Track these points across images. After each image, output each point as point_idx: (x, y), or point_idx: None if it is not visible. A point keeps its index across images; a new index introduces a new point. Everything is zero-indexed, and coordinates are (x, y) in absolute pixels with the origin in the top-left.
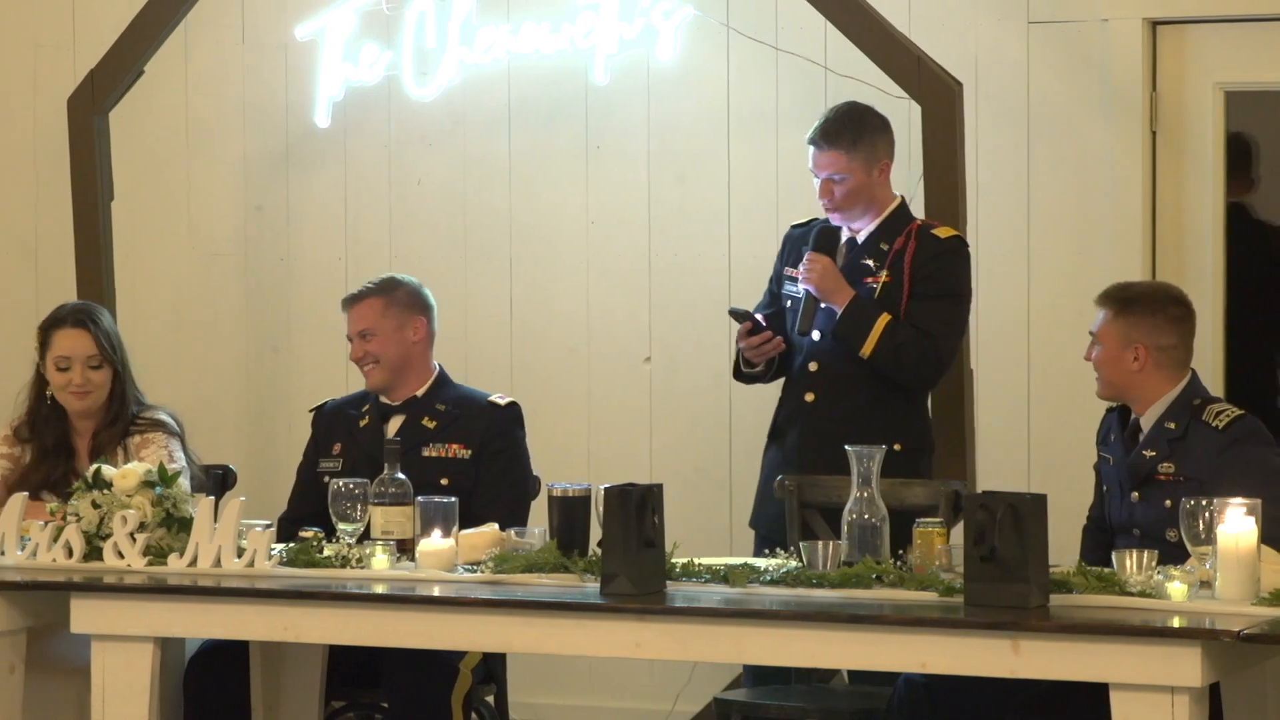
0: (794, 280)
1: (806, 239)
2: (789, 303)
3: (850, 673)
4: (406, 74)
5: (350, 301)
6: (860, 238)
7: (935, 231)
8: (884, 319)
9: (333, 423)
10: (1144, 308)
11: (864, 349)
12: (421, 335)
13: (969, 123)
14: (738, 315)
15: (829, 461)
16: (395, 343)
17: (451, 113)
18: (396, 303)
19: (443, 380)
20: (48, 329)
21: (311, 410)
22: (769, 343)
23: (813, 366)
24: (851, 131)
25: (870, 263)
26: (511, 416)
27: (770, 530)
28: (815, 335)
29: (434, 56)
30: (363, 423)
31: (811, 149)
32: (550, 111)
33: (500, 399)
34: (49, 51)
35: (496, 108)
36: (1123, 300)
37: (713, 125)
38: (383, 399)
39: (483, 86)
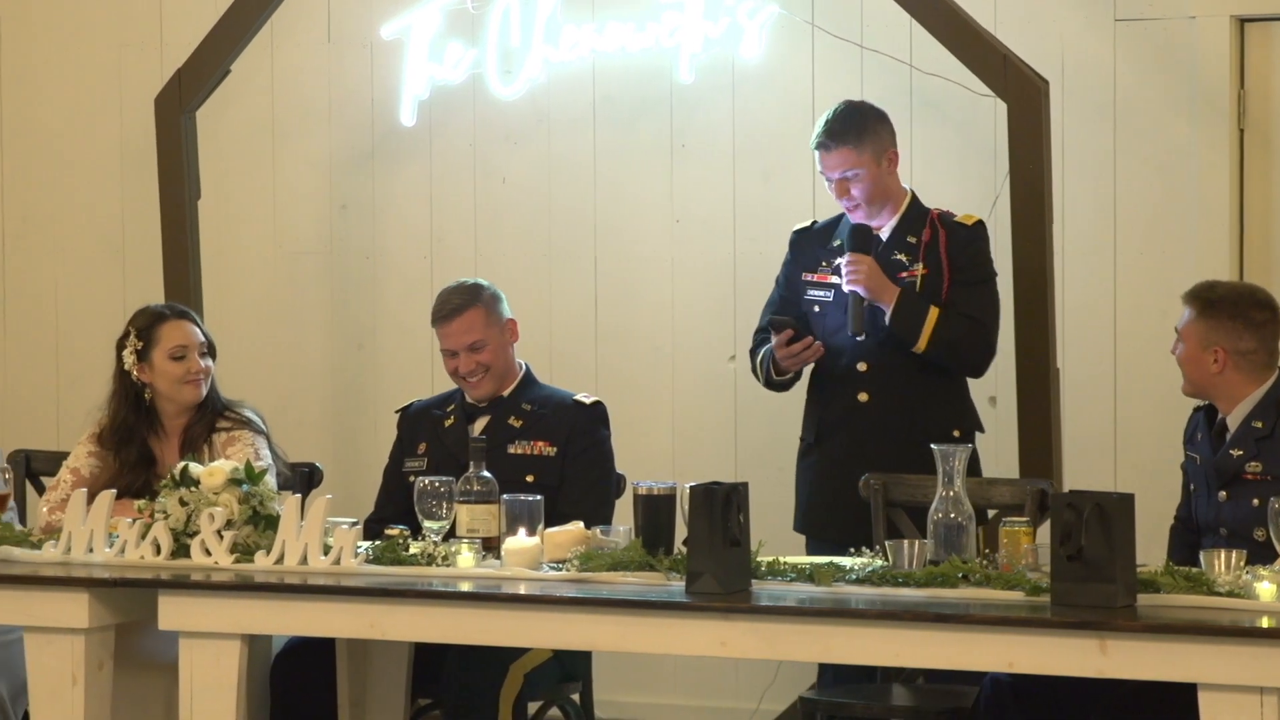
0: (818, 285)
1: (823, 241)
2: (816, 308)
3: (927, 672)
4: (491, 72)
5: (449, 316)
6: (885, 234)
7: (960, 219)
8: (934, 311)
9: (418, 423)
10: (1226, 311)
11: (919, 343)
12: (515, 336)
13: (1055, 121)
14: (779, 325)
15: (891, 458)
16: (501, 348)
17: (536, 111)
18: (492, 309)
19: (528, 380)
20: (150, 327)
21: (397, 412)
22: (808, 349)
23: (861, 367)
24: (856, 126)
25: (902, 258)
26: (597, 415)
27: (822, 532)
28: (860, 336)
29: (518, 55)
30: (448, 422)
31: (819, 153)
32: (635, 109)
33: (586, 398)
34: (136, 51)
35: (581, 106)
36: (1206, 301)
37: (797, 123)
38: (469, 398)
39: (567, 85)
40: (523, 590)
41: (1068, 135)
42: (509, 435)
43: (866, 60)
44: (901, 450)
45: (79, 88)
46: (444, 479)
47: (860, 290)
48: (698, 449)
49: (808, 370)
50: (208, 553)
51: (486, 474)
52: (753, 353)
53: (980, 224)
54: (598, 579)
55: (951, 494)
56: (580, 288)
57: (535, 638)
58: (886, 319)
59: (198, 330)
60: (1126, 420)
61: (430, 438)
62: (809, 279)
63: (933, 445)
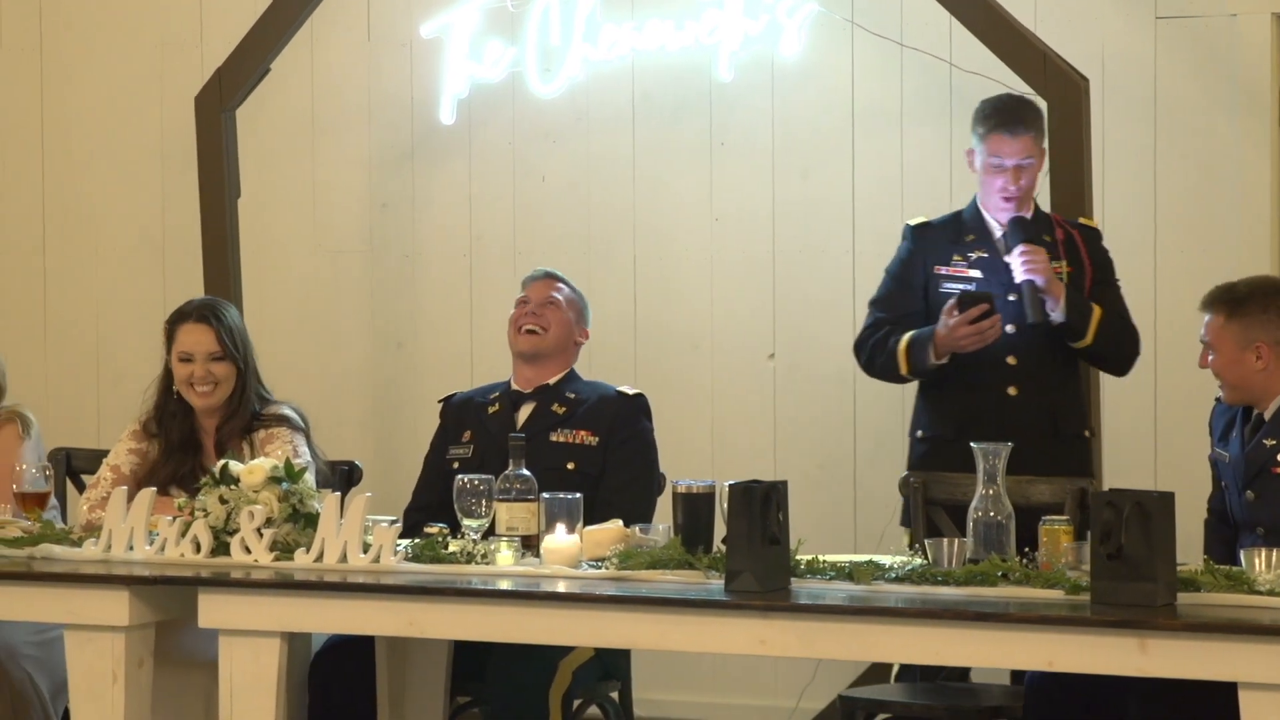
0: (954, 278)
1: (952, 235)
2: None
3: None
4: (531, 71)
5: (544, 276)
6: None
7: (1083, 222)
8: (1098, 307)
9: (463, 411)
10: (1257, 305)
11: (1086, 337)
12: (584, 335)
13: (1095, 118)
14: (973, 299)
15: (1038, 454)
16: (566, 326)
17: (575, 109)
18: (577, 301)
19: (573, 375)
20: (173, 324)
21: (440, 401)
22: (993, 329)
23: (1011, 360)
24: (1036, 116)
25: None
26: (639, 407)
27: None
28: (1010, 329)
29: (558, 53)
30: (492, 409)
31: (998, 135)
32: (674, 107)
33: (629, 390)
34: (176, 50)
35: (620, 104)
36: (1231, 302)
37: (837, 121)
38: (514, 385)
39: (607, 83)
40: (562, 588)
41: (1108, 133)
42: (552, 422)
43: (906, 58)
44: (1047, 445)
45: (120, 87)
46: (484, 477)
47: (1038, 280)
48: (737, 447)
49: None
50: (247, 550)
51: (525, 472)
52: (863, 344)
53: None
54: (637, 577)
55: (992, 492)
56: (619, 286)
57: (574, 636)
58: (1060, 310)
59: (214, 335)
60: (1166, 418)
61: (475, 425)
62: (942, 272)
63: (972, 444)
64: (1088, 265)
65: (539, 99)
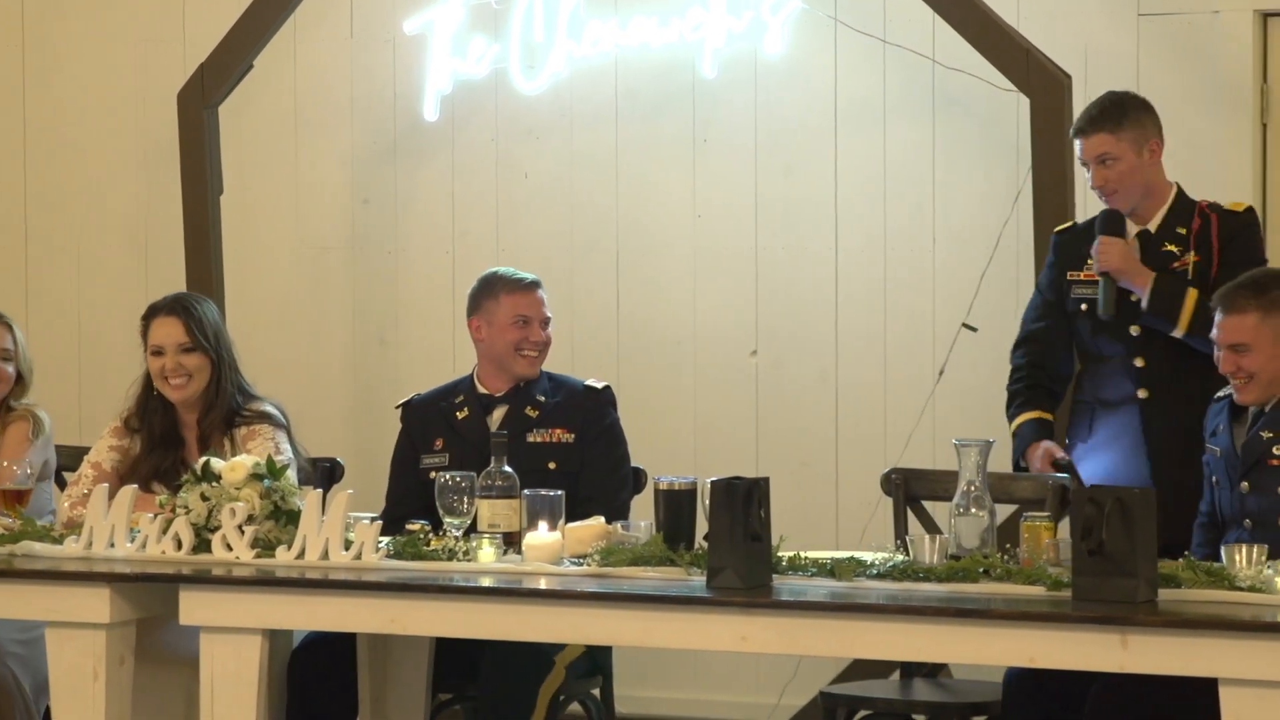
0: (1084, 283)
1: (1086, 239)
2: (1083, 306)
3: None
4: (514, 67)
5: (531, 286)
6: (1153, 227)
7: (1229, 206)
8: (1193, 293)
9: (428, 417)
10: None
11: (1179, 326)
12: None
13: (1078, 115)
14: (1063, 466)
15: (1172, 456)
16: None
17: (559, 106)
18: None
19: (539, 372)
20: (146, 320)
21: (398, 406)
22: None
23: (1139, 362)
24: (1116, 112)
25: (1173, 249)
26: (608, 399)
27: None
28: (1134, 330)
29: (542, 50)
30: (461, 415)
31: (1078, 142)
32: (657, 105)
33: (596, 383)
34: (159, 46)
35: (604, 101)
36: (1267, 300)
37: (820, 118)
38: (482, 389)
39: (590, 80)
40: (543, 585)
41: None
42: (527, 424)
43: (889, 55)
44: (1183, 446)
45: (102, 83)
46: (465, 474)
47: (1111, 271)
48: (719, 444)
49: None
50: (229, 548)
51: (508, 469)
52: (1009, 393)
53: (1250, 210)
54: (619, 574)
55: (973, 489)
56: (602, 282)
57: (556, 633)
58: (1144, 302)
59: (183, 327)
60: None
61: (446, 433)
62: (1074, 277)
63: (954, 440)
64: (1215, 251)
65: (522, 95)
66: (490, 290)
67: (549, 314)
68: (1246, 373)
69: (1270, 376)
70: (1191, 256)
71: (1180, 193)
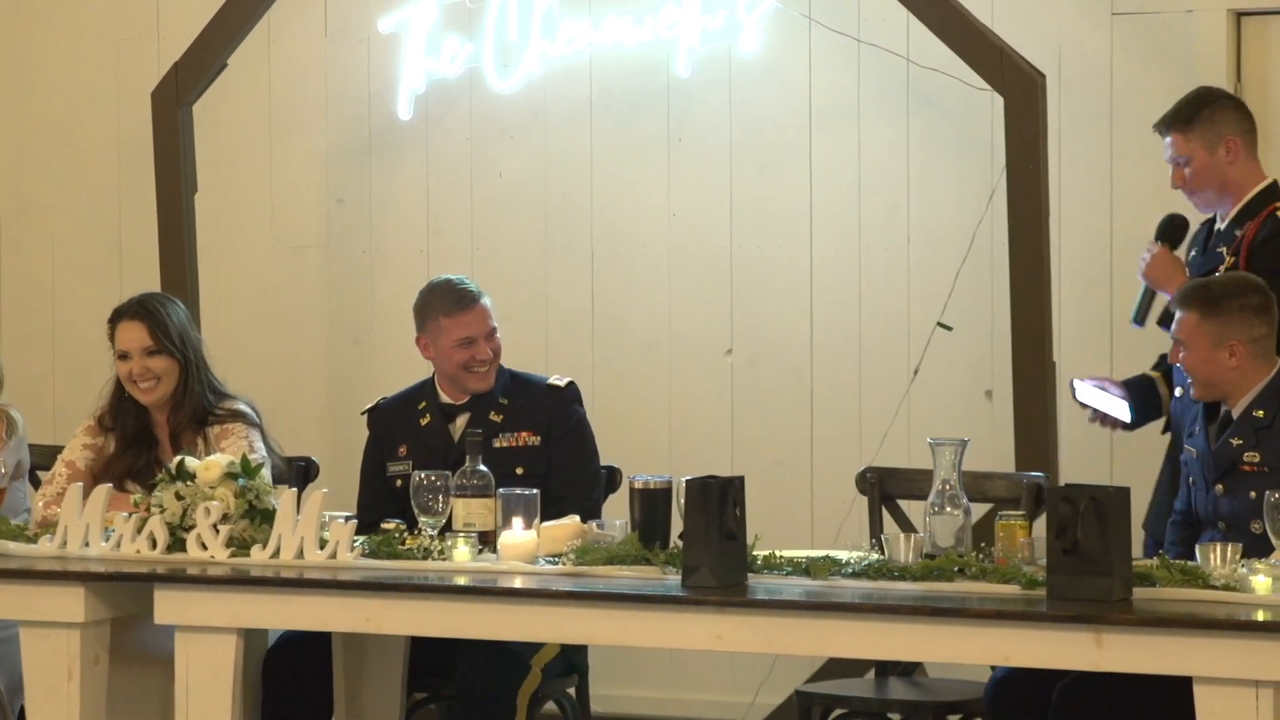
0: None
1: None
2: None
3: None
4: (488, 66)
5: (471, 304)
6: (1222, 225)
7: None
8: None
9: (393, 424)
10: (1233, 304)
11: None
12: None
13: (1052, 114)
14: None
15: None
16: (500, 344)
17: (533, 105)
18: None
19: (500, 372)
20: (112, 323)
21: (364, 412)
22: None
23: None
24: (1188, 111)
25: (1223, 250)
26: (572, 396)
27: (1156, 534)
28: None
29: (516, 49)
30: (424, 421)
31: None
32: (632, 104)
33: (559, 380)
34: (133, 45)
35: (578, 100)
36: (1208, 300)
37: (795, 117)
38: (445, 398)
39: (564, 79)
40: (519, 584)
41: (1065, 129)
42: (492, 430)
43: (864, 54)
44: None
45: (76, 81)
46: (441, 473)
47: (1143, 279)
48: (694, 442)
49: None
50: (204, 547)
51: (483, 468)
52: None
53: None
54: (594, 573)
55: (948, 487)
56: (577, 282)
57: (532, 632)
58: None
59: (147, 331)
60: None
61: (410, 440)
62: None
63: (929, 439)
64: (1243, 258)
65: (497, 95)
66: (429, 312)
67: (493, 324)
68: (1187, 369)
69: (1205, 378)
70: (1229, 260)
71: (1262, 193)
